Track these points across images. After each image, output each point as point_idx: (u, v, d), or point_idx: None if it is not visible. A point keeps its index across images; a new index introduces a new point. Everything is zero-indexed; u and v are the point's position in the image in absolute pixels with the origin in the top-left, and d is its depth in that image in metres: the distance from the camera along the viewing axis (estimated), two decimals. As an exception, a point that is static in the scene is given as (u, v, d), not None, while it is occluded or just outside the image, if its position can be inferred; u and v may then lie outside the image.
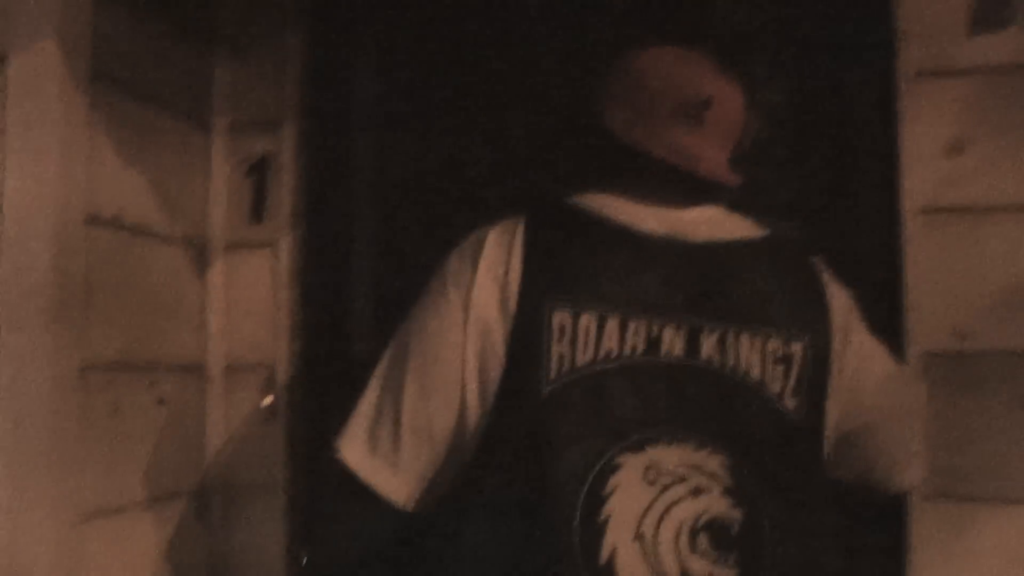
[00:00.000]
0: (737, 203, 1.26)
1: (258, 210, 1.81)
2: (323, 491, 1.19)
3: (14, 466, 1.35)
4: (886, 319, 1.45)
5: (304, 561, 1.22)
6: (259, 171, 1.81)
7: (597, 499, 1.04)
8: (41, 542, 1.35)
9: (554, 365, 1.07)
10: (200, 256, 1.79)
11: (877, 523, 1.53)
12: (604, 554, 1.03)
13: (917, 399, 1.40)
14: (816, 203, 1.62)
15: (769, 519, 1.09)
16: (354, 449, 1.12)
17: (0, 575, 1.33)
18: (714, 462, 1.08)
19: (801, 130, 1.63)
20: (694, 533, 1.05)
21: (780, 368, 1.13)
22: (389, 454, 1.11)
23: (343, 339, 1.79)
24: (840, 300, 1.22)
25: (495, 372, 1.08)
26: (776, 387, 1.12)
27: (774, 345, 1.13)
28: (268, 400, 1.76)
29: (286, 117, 1.81)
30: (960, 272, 1.54)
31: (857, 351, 1.21)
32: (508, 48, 1.77)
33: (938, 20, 1.56)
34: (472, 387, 1.09)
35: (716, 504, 1.07)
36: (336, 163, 1.82)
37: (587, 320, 1.08)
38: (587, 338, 1.08)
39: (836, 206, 1.62)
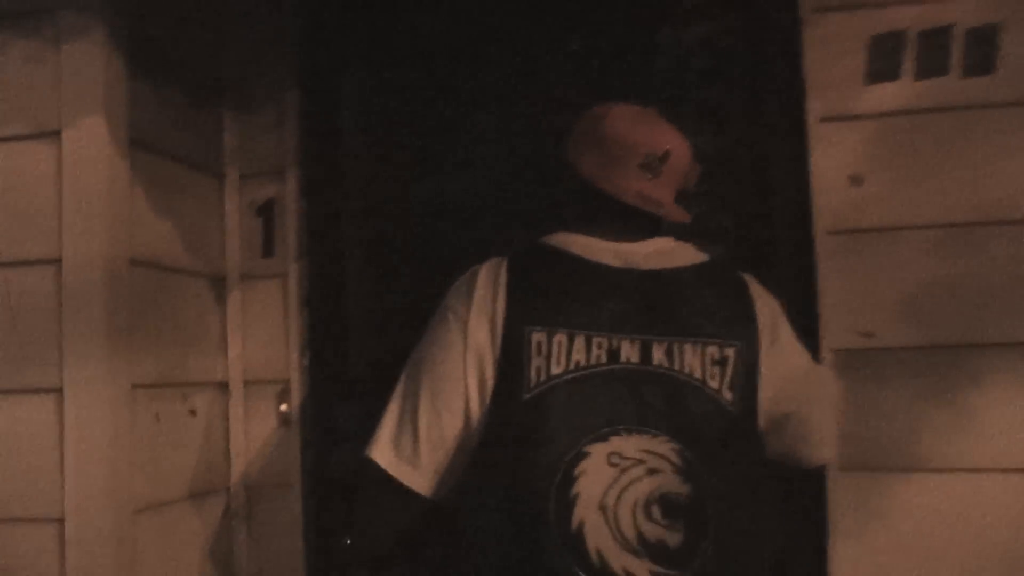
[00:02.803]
0: (683, 234, 1.46)
1: (268, 246, 2.00)
2: (355, 485, 1.38)
3: (80, 467, 1.56)
4: (804, 323, 1.62)
5: (347, 543, 1.40)
6: (267, 212, 2.00)
7: (569, 480, 1.25)
8: (104, 531, 1.55)
9: (533, 375, 1.28)
10: (219, 288, 1.98)
11: (803, 492, 1.73)
12: (574, 523, 1.23)
13: (831, 390, 1.61)
14: (744, 229, 1.83)
15: (712, 492, 1.28)
16: (383, 453, 1.33)
17: (72, 559, 1.53)
18: (666, 447, 1.28)
19: (728, 170, 1.83)
20: (649, 505, 1.26)
21: (717, 368, 1.33)
22: (411, 455, 1.31)
23: (346, 355, 1.99)
24: (766, 309, 1.42)
25: (490, 385, 1.29)
26: (715, 384, 1.33)
27: (712, 351, 1.33)
28: (284, 407, 1.94)
29: (288, 164, 2.00)
30: (863, 283, 1.75)
31: (781, 350, 1.41)
32: (488, 102, 1.96)
33: (838, 73, 1.77)
34: (473, 400, 1.30)
35: (668, 481, 1.27)
36: (334, 202, 2.01)
37: (559, 338, 1.29)
38: (559, 353, 1.29)
39: (761, 231, 1.82)
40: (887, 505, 1.73)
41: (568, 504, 1.24)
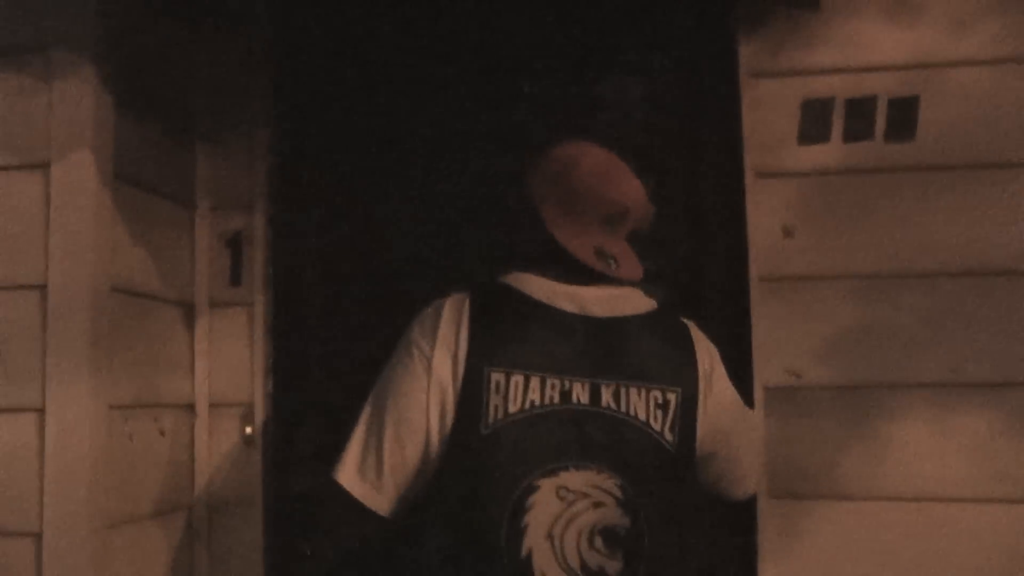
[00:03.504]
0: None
1: (236, 275, 2.08)
2: (317, 505, 1.47)
3: (60, 483, 1.63)
4: (739, 362, 1.76)
5: (309, 553, 1.49)
6: (235, 243, 2.08)
7: (520, 511, 1.34)
8: (80, 546, 1.62)
9: (491, 413, 1.37)
10: (189, 314, 2.06)
11: (735, 517, 1.85)
12: (524, 551, 1.34)
13: (757, 432, 1.73)
14: (687, 275, 1.94)
15: (650, 524, 1.39)
16: (348, 476, 1.40)
17: (49, 572, 1.60)
18: (610, 482, 1.38)
19: (672, 220, 1.93)
20: (592, 535, 1.36)
21: (660, 411, 1.43)
22: (374, 479, 1.39)
23: (307, 381, 2.07)
24: (705, 356, 1.52)
25: (450, 418, 1.38)
26: (657, 425, 1.42)
27: (655, 394, 1.43)
28: (248, 431, 2.02)
29: (257, 198, 2.09)
30: (793, 326, 1.89)
31: (717, 395, 1.52)
32: (453, 139, 2.05)
33: (773, 134, 1.91)
34: (434, 431, 1.38)
35: (610, 514, 1.37)
36: (299, 235, 2.09)
37: (516, 379, 1.38)
38: (516, 393, 1.38)
39: (701, 277, 1.95)
40: (811, 529, 1.86)
41: (519, 533, 1.34)
